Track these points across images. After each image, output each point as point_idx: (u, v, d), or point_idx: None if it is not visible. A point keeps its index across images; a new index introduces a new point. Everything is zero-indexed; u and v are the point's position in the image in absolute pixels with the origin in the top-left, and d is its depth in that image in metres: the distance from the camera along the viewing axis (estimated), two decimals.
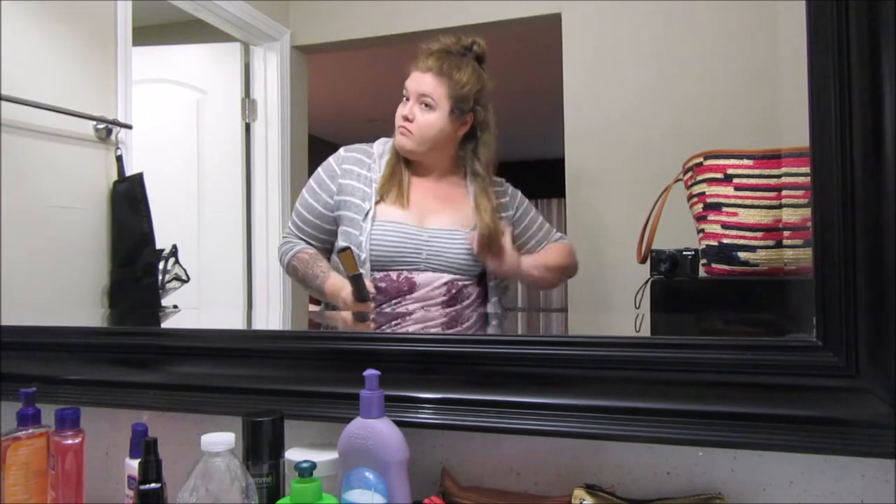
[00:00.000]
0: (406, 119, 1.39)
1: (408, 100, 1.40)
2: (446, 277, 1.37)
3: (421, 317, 1.35)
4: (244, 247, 2.54)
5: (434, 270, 1.37)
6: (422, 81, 1.39)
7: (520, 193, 1.53)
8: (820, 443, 0.66)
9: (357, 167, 1.42)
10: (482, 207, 1.39)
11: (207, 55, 2.61)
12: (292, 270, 1.47)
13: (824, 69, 0.67)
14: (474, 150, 1.44)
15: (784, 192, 1.14)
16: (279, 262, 1.51)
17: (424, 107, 1.38)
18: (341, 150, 1.47)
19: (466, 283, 1.40)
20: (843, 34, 0.66)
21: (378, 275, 1.36)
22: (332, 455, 0.76)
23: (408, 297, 1.36)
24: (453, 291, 1.38)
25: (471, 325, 1.37)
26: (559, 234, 1.57)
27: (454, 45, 1.41)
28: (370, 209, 1.37)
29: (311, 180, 1.47)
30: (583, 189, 2.21)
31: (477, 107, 1.42)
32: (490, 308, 1.42)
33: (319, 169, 1.47)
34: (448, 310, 1.37)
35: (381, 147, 1.46)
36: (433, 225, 1.39)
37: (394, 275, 1.36)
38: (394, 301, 1.36)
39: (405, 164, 1.43)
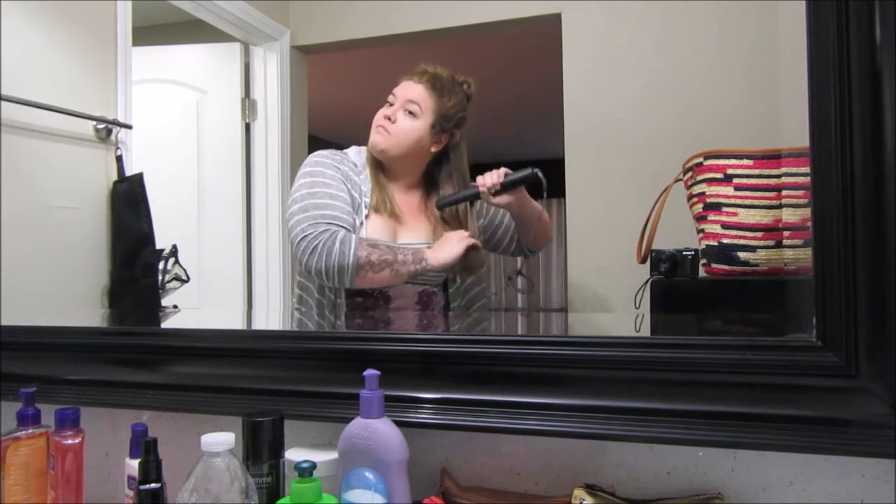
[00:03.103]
0: (388, 119, 1.38)
1: (391, 104, 1.41)
2: (418, 288, 1.41)
3: (398, 326, 1.35)
4: (244, 247, 2.55)
5: (406, 282, 1.38)
6: (412, 89, 1.39)
7: None
8: (820, 443, 0.66)
9: (352, 173, 1.41)
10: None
11: (207, 55, 2.61)
12: (367, 252, 1.27)
13: (824, 69, 0.67)
14: (446, 172, 1.44)
15: (784, 192, 1.15)
16: (330, 253, 1.26)
17: (409, 114, 1.38)
18: (327, 153, 1.41)
19: (434, 290, 1.43)
20: (843, 34, 0.66)
21: (354, 289, 1.36)
22: (332, 455, 0.76)
23: (384, 307, 1.38)
24: (425, 299, 1.42)
25: (444, 329, 1.38)
26: None
27: (447, 76, 1.43)
28: (362, 224, 1.37)
29: (319, 178, 1.35)
30: (583, 189, 2.22)
31: (455, 130, 1.43)
32: (454, 310, 1.44)
33: (320, 168, 1.37)
34: (422, 314, 1.40)
35: (360, 158, 1.44)
36: (405, 240, 1.40)
37: (368, 289, 1.37)
38: (371, 310, 1.38)
39: (384, 177, 1.43)
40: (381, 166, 1.43)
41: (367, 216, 1.37)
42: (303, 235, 1.30)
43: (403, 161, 1.41)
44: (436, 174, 1.46)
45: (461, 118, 1.43)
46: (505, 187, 1.36)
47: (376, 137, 1.39)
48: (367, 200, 1.38)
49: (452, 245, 1.34)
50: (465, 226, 1.42)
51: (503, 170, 1.37)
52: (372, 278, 1.30)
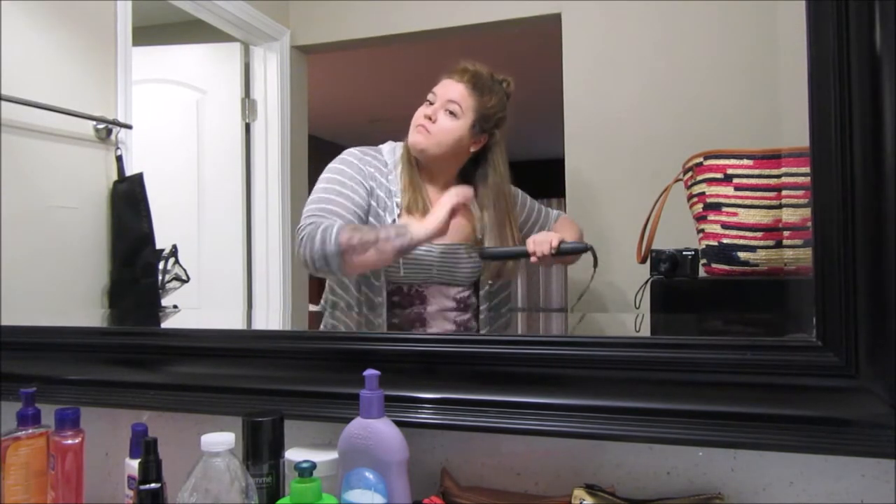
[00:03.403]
0: (429, 119, 1.38)
1: (431, 104, 1.40)
2: (454, 290, 1.42)
3: (438, 326, 1.35)
4: (244, 247, 2.55)
5: (441, 283, 1.40)
6: (453, 89, 1.39)
7: (520, 193, 1.55)
8: (820, 443, 0.66)
9: (378, 174, 1.39)
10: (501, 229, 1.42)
11: (207, 55, 2.61)
12: (348, 236, 1.24)
13: (824, 69, 0.67)
14: (483, 174, 1.44)
15: (784, 192, 1.15)
16: (313, 241, 1.26)
17: (449, 114, 1.38)
18: (356, 152, 1.40)
19: (468, 291, 1.44)
20: (843, 34, 0.66)
21: (390, 287, 1.37)
22: (332, 455, 0.76)
23: (421, 308, 1.38)
24: (459, 300, 1.42)
25: (477, 329, 1.39)
26: (556, 212, 1.60)
27: (487, 74, 1.43)
28: (394, 223, 1.35)
29: (336, 175, 1.35)
30: (583, 189, 2.21)
31: (495, 130, 1.43)
32: (483, 312, 1.45)
33: (342, 166, 1.36)
34: (457, 316, 1.40)
35: (392, 156, 1.43)
36: (442, 241, 1.39)
37: (405, 288, 1.38)
38: (408, 311, 1.38)
39: (420, 175, 1.42)
40: (417, 165, 1.42)
41: (398, 216, 1.36)
42: (298, 228, 1.30)
43: (442, 160, 1.41)
44: (472, 174, 1.45)
45: (501, 118, 1.43)
46: (555, 255, 1.34)
47: (416, 137, 1.39)
48: (399, 200, 1.37)
49: (436, 211, 1.28)
50: (508, 227, 1.42)
51: (557, 240, 1.32)
52: (358, 262, 1.26)
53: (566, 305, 2.21)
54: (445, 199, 1.29)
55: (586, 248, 1.37)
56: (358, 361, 0.81)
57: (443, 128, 1.37)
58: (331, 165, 1.39)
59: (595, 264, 1.40)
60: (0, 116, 1.61)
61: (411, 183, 1.39)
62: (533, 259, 1.33)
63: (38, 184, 1.71)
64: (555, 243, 1.31)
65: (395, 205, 1.37)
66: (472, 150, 1.42)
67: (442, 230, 1.27)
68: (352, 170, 1.37)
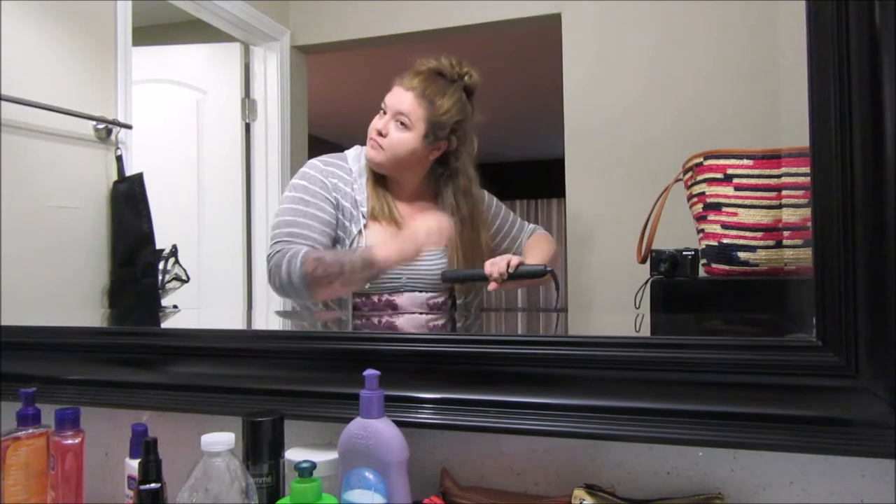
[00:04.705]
0: (379, 133, 1.35)
1: (384, 114, 1.36)
2: (426, 296, 1.38)
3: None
4: (244, 247, 2.55)
5: (413, 290, 1.37)
6: (401, 99, 1.34)
7: (495, 200, 1.52)
8: (820, 443, 0.66)
9: (343, 184, 1.37)
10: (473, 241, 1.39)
11: (207, 55, 2.62)
12: (312, 267, 1.23)
13: (824, 69, 0.67)
14: (449, 177, 1.41)
15: (784, 192, 1.15)
16: (280, 271, 1.26)
17: (400, 125, 1.34)
18: (318, 164, 1.38)
19: (443, 297, 1.41)
20: (843, 34, 0.66)
21: (358, 299, 1.35)
22: (332, 455, 0.76)
23: (394, 317, 1.36)
24: (432, 306, 1.40)
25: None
26: (531, 226, 1.57)
27: (447, 69, 1.37)
28: (360, 232, 1.34)
29: (299, 193, 1.33)
30: (583, 189, 2.22)
31: (452, 136, 1.38)
32: (459, 315, 1.42)
33: (304, 182, 1.35)
34: (430, 321, 1.38)
35: (357, 163, 1.40)
36: None
37: (374, 298, 1.35)
38: (377, 318, 1.35)
39: (383, 184, 1.39)
40: (384, 179, 1.40)
41: (365, 225, 1.34)
42: (267, 256, 1.30)
43: (401, 171, 1.39)
44: (439, 178, 1.43)
45: (458, 121, 1.37)
46: (512, 278, 1.29)
47: (371, 152, 1.36)
48: (364, 210, 1.35)
49: (407, 239, 1.27)
50: (478, 230, 1.40)
51: (515, 261, 1.28)
52: (327, 293, 1.26)
53: (566, 305, 2.20)
54: (420, 233, 1.27)
55: (545, 272, 1.32)
56: (358, 361, 0.81)
57: (394, 141, 1.34)
58: (293, 182, 1.36)
59: (557, 287, 1.38)
60: (0, 116, 1.61)
61: (375, 191, 1.37)
62: (491, 286, 1.29)
63: (38, 184, 1.72)
64: (513, 264, 1.27)
65: (361, 214, 1.34)
66: (431, 158, 1.39)
67: (409, 258, 1.27)
68: (315, 185, 1.34)
